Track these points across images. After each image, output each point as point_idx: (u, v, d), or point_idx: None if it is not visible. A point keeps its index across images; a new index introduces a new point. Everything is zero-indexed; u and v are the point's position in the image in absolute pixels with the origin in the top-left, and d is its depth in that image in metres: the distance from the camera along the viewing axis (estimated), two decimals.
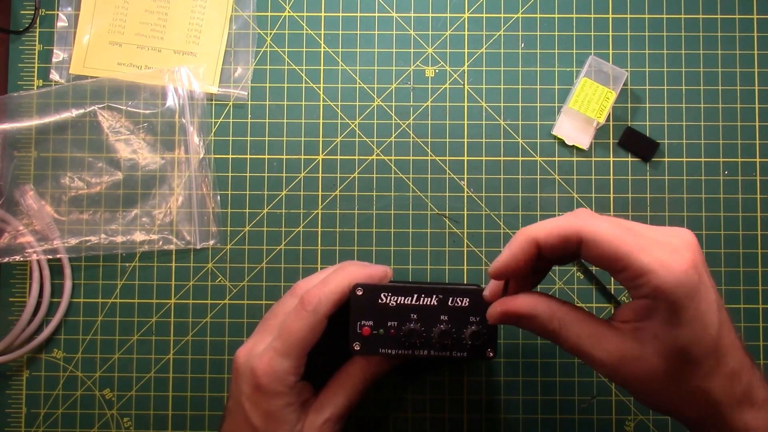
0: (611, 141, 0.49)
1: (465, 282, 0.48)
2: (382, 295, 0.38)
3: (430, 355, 0.38)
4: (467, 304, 0.38)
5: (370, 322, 0.38)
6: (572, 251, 0.32)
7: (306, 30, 0.50)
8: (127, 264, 0.49)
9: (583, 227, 0.30)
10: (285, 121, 0.49)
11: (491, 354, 0.38)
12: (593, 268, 0.48)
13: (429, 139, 0.49)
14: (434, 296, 0.38)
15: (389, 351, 0.38)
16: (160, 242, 0.48)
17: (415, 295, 0.38)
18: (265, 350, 0.37)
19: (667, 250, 0.29)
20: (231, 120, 0.49)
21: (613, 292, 0.48)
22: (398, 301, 0.38)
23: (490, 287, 0.36)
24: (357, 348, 0.37)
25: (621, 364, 0.31)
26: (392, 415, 0.48)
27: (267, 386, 0.37)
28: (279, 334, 0.37)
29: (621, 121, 0.49)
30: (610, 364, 0.32)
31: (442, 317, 0.38)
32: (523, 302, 0.33)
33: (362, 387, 0.40)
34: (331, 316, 0.38)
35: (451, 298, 0.38)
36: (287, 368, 0.37)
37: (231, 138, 0.49)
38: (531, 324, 0.33)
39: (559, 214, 0.48)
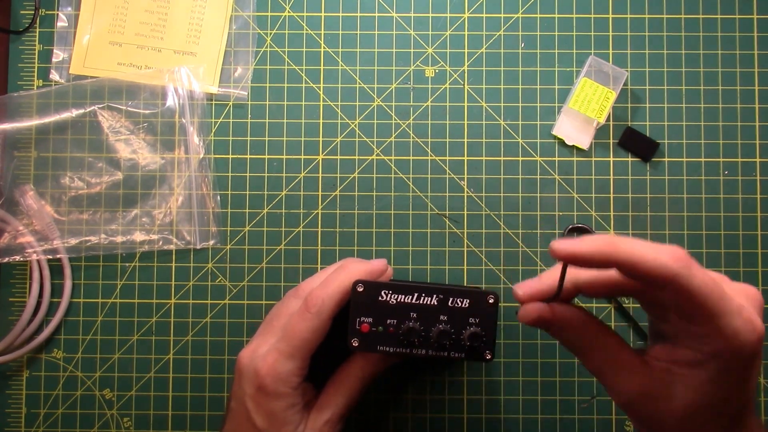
0: (611, 141, 0.49)
1: (465, 282, 0.48)
2: (382, 293, 0.38)
3: (428, 354, 0.38)
4: (467, 305, 0.38)
5: (370, 319, 0.38)
6: (642, 287, 0.32)
7: (306, 30, 0.50)
8: (127, 264, 0.49)
9: (679, 276, 0.28)
10: (285, 121, 0.49)
11: (489, 356, 0.38)
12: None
13: (429, 139, 0.49)
14: (434, 296, 0.38)
15: (387, 349, 0.38)
16: (160, 242, 0.48)
17: (416, 294, 0.38)
18: (269, 351, 0.37)
19: (745, 318, 0.29)
20: (231, 120, 0.49)
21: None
22: (398, 300, 0.38)
23: (526, 287, 0.34)
24: (355, 344, 0.37)
25: (640, 399, 0.31)
26: (392, 415, 0.48)
27: (271, 387, 0.37)
28: (283, 336, 0.37)
29: (621, 121, 0.49)
30: (629, 396, 0.32)
31: (441, 317, 0.38)
32: (561, 310, 0.33)
33: (360, 386, 0.40)
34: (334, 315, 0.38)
35: (451, 299, 0.38)
36: (291, 370, 0.37)
37: (231, 138, 0.49)
38: (562, 334, 0.33)
39: (559, 214, 0.48)
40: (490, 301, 0.38)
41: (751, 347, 0.29)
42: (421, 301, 0.38)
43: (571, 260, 0.30)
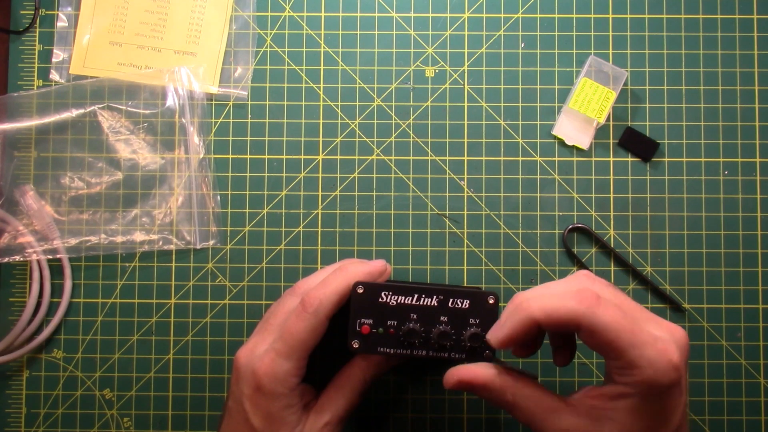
0: (611, 141, 0.49)
1: (465, 283, 0.48)
2: (382, 294, 0.38)
3: (429, 355, 0.38)
4: (467, 306, 0.38)
5: (370, 321, 0.38)
6: (572, 332, 0.34)
7: (306, 30, 0.50)
8: (127, 264, 0.49)
9: (584, 317, 0.31)
10: (285, 121, 0.49)
11: (490, 357, 0.38)
12: (593, 268, 0.48)
13: (429, 139, 0.49)
14: (435, 297, 0.38)
15: (388, 350, 0.38)
16: (160, 242, 0.48)
17: (416, 295, 0.38)
18: (267, 352, 0.37)
19: (659, 348, 0.31)
20: (231, 120, 0.49)
21: None
22: (398, 301, 0.38)
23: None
24: (356, 346, 0.37)
25: None
26: (392, 415, 0.48)
27: (268, 388, 0.37)
28: (280, 336, 0.37)
29: (621, 121, 0.49)
30: None
31: (441, 318, 0.38)
32: (480, 373, 0.35)
33: (362, 389, 0.40)
34: (333, 316, 0.38)
35: (451, 300, 0.38)
36: (288, 370, 0.37)
37: (231, 138, 0.49)
38: (485, 394, 0.35)
39: (559, 214, 0.48)
40: (491, 302, 0.38)
41: (667, 377, 0.31)
42: (421, 302, 0.38)
43: (506, 344, 0.34)
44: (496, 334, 0.34)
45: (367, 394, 0.41)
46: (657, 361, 0.31)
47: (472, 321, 0.38)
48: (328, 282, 0.38)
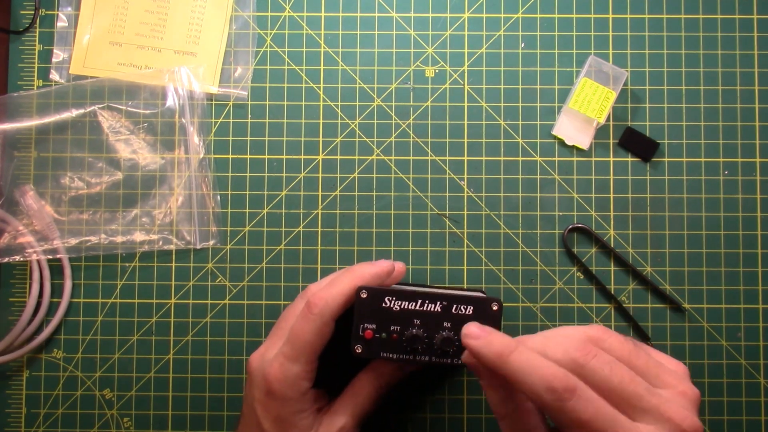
0: (611, 141, 0.49)
1: (465, 284, 0.48)
2: (386, 299, 0.38)
3: (432, 361, 0.38)
4: (471, 312, 0.38)
5: (373, 326, 0.37)
6: None
7: (306, 30, 0.50)
8: (127, 264, 0.49)
9: (549, 409, 0.29)
10: (285, 121, 0.49)
11: None
12: (593, 268, 0.48)
13: (429, 139, 0.49)
14: (438, 303, 0.38)
15: (391, 355, 0.38)
16: (160, 242, 0.48)
17: (419, 301, 0.38)
18: (276, 356, 0.37)
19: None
20: (231, 120, 0.49)
21: (613, 292, 0.48)
22: (402, 306, 0.38)
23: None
24: (359, 351, 0.37)
25: None
26: (392, 415, 0.48)
27: (279, 392, 0.36)
28: (288, 339, 0.37)
29: (621, 121, 0.49)
30: None
31: (445, 324, 0.37)
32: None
33: (376, 395, 0.40)
34: (342, 320, 0.38)
35: (455, 306, 0.38)
36: (298, 373, 0.37)
37: (231, 138, 0.49)
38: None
39: (559, 214, 0.48)
40: (494, 308, 0.37)
41: None
42: (424, 308, 0.38)
43: (475, 356, 0.31)
44: (474, 332, 0.32)
45: (382, 402, 0.41)
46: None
47: None
48: (335, 283, 0.38)
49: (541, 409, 0.30)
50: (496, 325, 0.37)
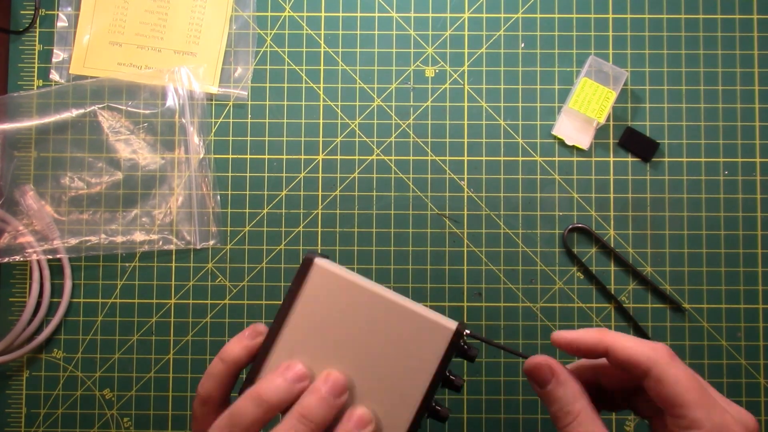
0: (611, 141, 0.49)
1: (465, 284, 0.48)
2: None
3: None
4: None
5: None
6: (634, 383, 0.32)
7: (306, 30, 0.50)
8: (127, 264, 0.49)
9: (656, 365, 0.30)
10: (285, 121, 0.49)
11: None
12: (593, 268, 0.48)
13: (429, 139, 0.49)
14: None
15: None
16: (160, 242, 0.48)
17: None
18: None
19: (726, 420, 0.30)
20: (231, 120, 0.49)
21: (613, 292, 0.48)
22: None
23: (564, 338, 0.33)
24: None
25: None
26: None
27: None
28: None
29: (621, 121, 0.49)
30: None
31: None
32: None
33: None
34: None
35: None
36: None
37: (231, 138, 0.49)
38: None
39: (559, 214, 0.48)
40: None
41: None
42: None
43: (568, 349, 0.32)
44: (564, 333, 0.33)
45: None
46: (723, 427, 0.29)
47: None
48: (206, 373, 0.34)
49: (641, 373, 0.31)
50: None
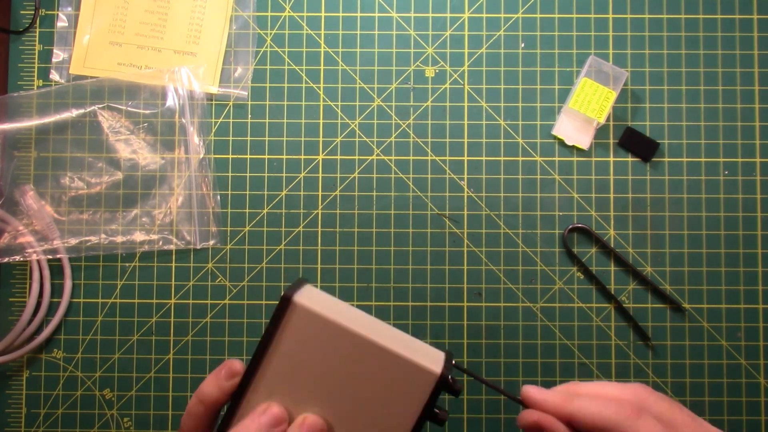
0: (611, 141, 0.49)
1: (465, 284, 0.48)
2: None
3: None
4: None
5: None
6: None
7: (306, 30, 0.50)
8: (127, 264, 0.49)
9: (616, 428, 0.30)
10: (285, 121, 0.49)
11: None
12: (593, 268, 0.48)
13: (429, 139, 0.49)
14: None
15: None
16: (160, 242, 0.48)
17: None
18: None
19: None
20: (231, 120, 0.49)
21: (613, 292, 0.48)
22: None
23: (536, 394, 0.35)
24: None
25: None
26: None
27: None
28: None
29: (621, 121, 0.49)
30: None
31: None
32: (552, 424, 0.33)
33: None
34: None
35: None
36: None
37: (231, 138, 0.49)
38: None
39: (559, 214, 0.48)
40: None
41: None
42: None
43: (534, 413, 0.33)
44: (532, 392, 0.34)
45: None
46: None
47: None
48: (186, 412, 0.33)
49: None
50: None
